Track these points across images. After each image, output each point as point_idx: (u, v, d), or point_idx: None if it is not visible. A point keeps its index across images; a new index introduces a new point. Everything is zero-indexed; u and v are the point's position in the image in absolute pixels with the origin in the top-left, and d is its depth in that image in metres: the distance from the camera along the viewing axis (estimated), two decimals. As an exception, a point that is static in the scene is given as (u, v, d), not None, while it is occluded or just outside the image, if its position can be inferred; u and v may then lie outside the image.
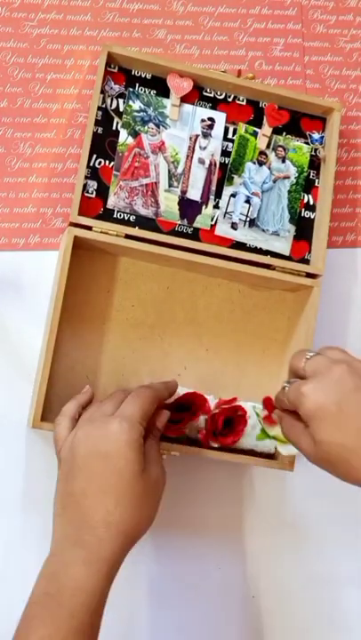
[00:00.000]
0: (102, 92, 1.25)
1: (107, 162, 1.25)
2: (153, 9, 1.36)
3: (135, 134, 1.26)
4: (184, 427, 1.23)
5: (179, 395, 1.23)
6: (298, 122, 1.31)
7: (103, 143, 1.25)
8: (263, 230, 1.28)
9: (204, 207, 1.27)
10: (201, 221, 1.27)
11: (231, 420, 1.24)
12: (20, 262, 1.29)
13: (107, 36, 1.33)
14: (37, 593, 1.03)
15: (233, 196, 1.28)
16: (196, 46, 1.36)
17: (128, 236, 1.22)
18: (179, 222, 1.26)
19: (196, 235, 1.26)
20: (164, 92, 1.27)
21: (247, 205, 1.28)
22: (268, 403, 1.25)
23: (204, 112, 1.28)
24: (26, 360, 1.25)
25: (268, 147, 1.29)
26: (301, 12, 1.40)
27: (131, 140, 1.26)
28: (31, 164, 1.30)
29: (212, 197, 1.27)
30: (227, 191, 1.28)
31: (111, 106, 1.26)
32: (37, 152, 1.30)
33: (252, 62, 1.37)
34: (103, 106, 1.25)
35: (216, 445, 1.23)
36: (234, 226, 1.27)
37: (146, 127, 1.26)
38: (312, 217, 1.30)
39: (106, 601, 1.04)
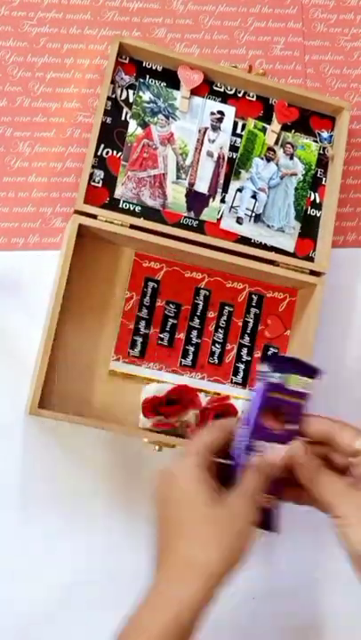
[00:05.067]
0: (112, 82, 1.25)
1: (114, 152, 1.25)
2: (153, 7, 1.35)
3: (144, 125, 1.26)
4: (175, 420, 1.22)
5: (166, 390, 1.23)
6: (307, 120, 1.32)
7: (111, 133, 1.25)
8: (268, 226, 1.28)
9: (211, 200, 1.27)
10: (208, 214, 1.27)
11: (222, 417, 1.23)
12: (19, 262, 1.28)
13: (106, 34, 1.32)
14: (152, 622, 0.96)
15: (240, 190, 1.28)
16: (196, 45, 1.36)
17: (133, 227, 1.21)
18: (185, 214, 1.26)
19: (201, 228, 1.26)
20: (174, 84, 1.27)
21: (253, 200, 1.28)
22: None
23: (214, 105, 1.28)
24: (25, 359, 1.24)
25: (276, 143, 1.30)
26: (302, 11, 1.40)
27: (140, 131, 1.25)
28: (31, 163, 1.29)
29: (219, 190, 1.27)
30: (233, 185, 1.28)
31: (121, 96, 1.26)
32: (37, 151, 1.30)
33: (252, 61, 1.37)
34: (113, 96, 1.25)
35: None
36: (239, 220, 1.27)
37: (155, 118, 1.26)
38: (318, 215, 1.31)
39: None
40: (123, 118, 1.26)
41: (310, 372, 1.01)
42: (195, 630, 0.97)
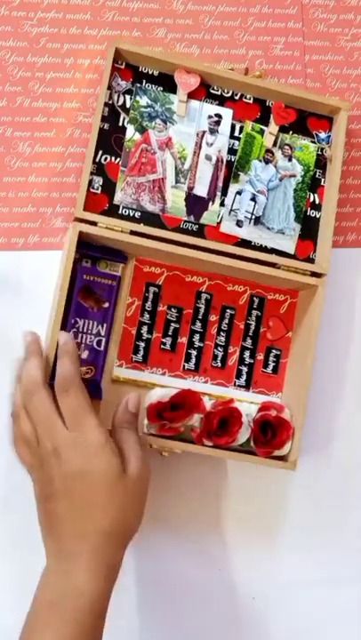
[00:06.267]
0: (109, 87, 1.25)
1: (112, 158, 1.25)
2: (153, 7, 1.35)
3: (142, 130, 1.26)
4: (179, 425, 1.22)
5: (170, 395, 1.23)
6: (305, 121, 1.31)
7: (109, 139, 1.25)
8: (268, 228, 1.28)
9: (210, 203, 1.27)
10: (208, 218, 1.27)
11: (226, 420, 1.23)
12: (20, 262, 1.28)
13: (106, 34, 1.32)
14: (39, 602, 1.04)
15: (239, 193, 1.28)
16: (196, 45, 1.36)
17: (133, 233, 1.21)
18: (185, 218, 1.26)
19: (201, 232, 1.26)
20: (171, 88, 1.27)
21: (253, 203, 1.28)
22: (264, 407, 1.26)
23: (211, 108, 1.28)
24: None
25: (274, 145, 1.30)
26: (302, 11, 1.40)
27: (138, 136, 1.25)
28: (31, 163, 1.30)
29: (218, 194, 1.27)
30: (232, 188, 1.28)
31: (118, 102, 1.26)
32: (37, 151, 1.30)
33: (252, 61, 1.37)
34: (110, 102, 1.25)
35: (210, 444, 1.23)
36: (239, 223, 1.27)
37: (153, 123, 1.26)
38: (318, 216, 1.31)
39: (108, 604, 1.06)
40: (120, 124, 1.26)
41: (117, 257, 1.25)
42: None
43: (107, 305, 1.25)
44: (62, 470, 1.06)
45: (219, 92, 1.29)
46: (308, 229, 1.30)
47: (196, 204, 1.27)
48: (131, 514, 1.09)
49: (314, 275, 1.27)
